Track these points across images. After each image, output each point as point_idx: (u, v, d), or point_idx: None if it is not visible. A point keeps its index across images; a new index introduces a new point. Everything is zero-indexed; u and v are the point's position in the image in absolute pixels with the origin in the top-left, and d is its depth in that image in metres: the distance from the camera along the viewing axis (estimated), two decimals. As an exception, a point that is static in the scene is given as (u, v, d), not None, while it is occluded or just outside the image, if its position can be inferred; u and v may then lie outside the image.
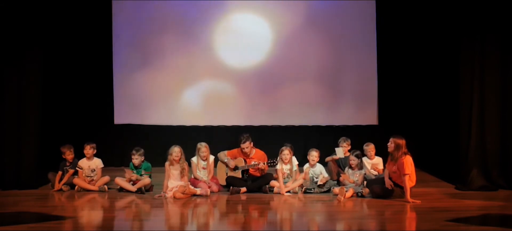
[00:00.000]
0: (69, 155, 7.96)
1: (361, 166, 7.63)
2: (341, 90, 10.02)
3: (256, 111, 10.02)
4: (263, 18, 9.93)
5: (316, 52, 9.96)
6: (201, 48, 9.95)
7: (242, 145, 7.77)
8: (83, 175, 7.89)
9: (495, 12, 7.68)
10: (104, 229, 5.93)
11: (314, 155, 7.69)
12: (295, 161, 7.84)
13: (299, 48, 9.96)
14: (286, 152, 7.64)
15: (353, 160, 7.58)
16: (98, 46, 9.89)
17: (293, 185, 7.58)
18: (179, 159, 7.43)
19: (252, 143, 7.86)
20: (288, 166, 7.67)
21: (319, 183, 7.57)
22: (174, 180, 7.38)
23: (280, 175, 7.63)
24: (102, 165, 8.05)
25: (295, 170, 7.72)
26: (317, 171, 7.67)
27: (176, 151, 7.44)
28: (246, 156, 7.84)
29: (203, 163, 7.75)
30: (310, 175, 7.66)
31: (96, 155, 8.04)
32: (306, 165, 7.76)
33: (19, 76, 8.01)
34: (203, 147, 7.75)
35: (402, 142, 6.98)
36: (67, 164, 7.97)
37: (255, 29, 9.94)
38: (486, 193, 7.43)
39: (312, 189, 7.60)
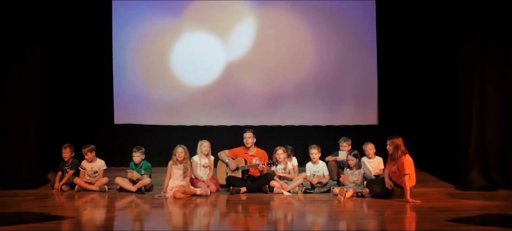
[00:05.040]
0: (66, 154, 7.96)
1: (359, 165, 7.63)
2: (341, 90, 10.03)
3: (256, 111, 10.02)
4: (264, 18, 9.92)
5: (316, 51, 9.97)
6: (200, 48, 9.94)
7: (245, 135, 7.81)
8: (85, 175, 7.90)
9: (495, 13, 7.68)
10: (104, 229, 5.92)
11: (313, 152, 7.70)
12: (294, 161, 7.85)
13: (299, 48, 9.96)
14: (279, 152, 7.67)
15: (352, 160, 7.58)
16: (98, 46, 9.90)
17: (293, 184, 7.59)
18: (183, 159, 7.42)
19: (255, 138, 7.89)
20: (282, 166, 7.69)
21: (317, 182, 7.56)
22: (176, 180, 7.38)
23: (276, 174, 7.66)
24: (105, 167, 8.05)
25: (292, 168, 7.72)
26: (320, 169, 7.67)
27: (179, 151, 7.43)
28: (246, 149, 7.85)
29: (204, 161, 7.76)
30: (312, 172, 7.65)
31: (96, 156, 8.05)
32: (309, 164, 7.77)
33: (19, 76, 8.01)
34: (205, 142, 7.78)
35: (399, 141, 7.00)
36: (67, 164, 7.97)
37: (254, 29, 9.94)
38: (486, 193, 7.43)
39: (312, 190, 7.60)
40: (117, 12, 9.89)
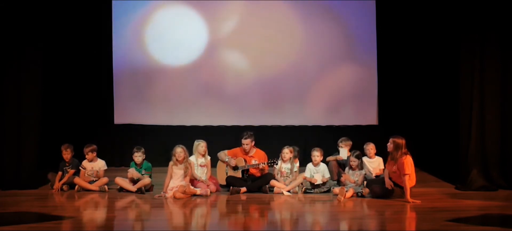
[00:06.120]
0: (65, 154, 7.95)
1: (361, 166, 7.63)
2: (341, 90, 10.02)
3: (256, 111, 10.02)
4: (265, 18, 9.91)
5: (316, 51, 9.96)
6: (201, 48, 9.93)
7: (243, 141, 7.79)
8: (85, 175, 7.90)
9: (495, 13, 7.68)
10: (104, 229, 5.93)
11: (315, 154, 7.69)
12: (297, 163, 7.85)
13: (299, 47, 9.95)
14: (285, 151, 7.67)
15: (354, 161, 7.58)
16: (98, 46, 9.89)
17: (293, 184, 7.59)
18: (183, 159, 7.42)
19: (253, 142, 7.88)
20: (288, 166, 7.68)
21: (318, 182, 7.56)
22: (177, 180, 7.37)
23: (278, 173, 7.66)
24: (105, 167, 8.04)
25: (296, 171, 7.73)
26: (321, 172, 7.66)
27: (178, 151, 7.42)
28: (245, 153, 7.84)
29: (200, 160, 7.75)
30: (312, 174, 7.64)
31: (97, 155, 8.04)
32: (309, 165, 7.76)
33: (19, 76, 8.01)
34: (202, 142, 7.78)
35: (401, 142, 6.98)
36: (66, 164, 7.97)
37: (257, 29, 9.92)
38: (486, 193, 7.43)
39: (312, 190, 7.61)
40: (117, 12, 9.88)
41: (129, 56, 9.94)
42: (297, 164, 7.84)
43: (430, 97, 9.55)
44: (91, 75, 9.91)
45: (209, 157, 7.86)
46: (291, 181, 7.64)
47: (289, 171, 7.71)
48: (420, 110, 9.76)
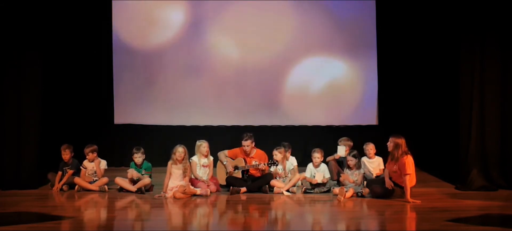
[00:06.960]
0: (64, 155, 7.95)
1: (359, 165, 7.62)
2: (341, 90, 10.02)
3: (256, 111, 10.01)
4: (264, 17, 9.91)
5: (316, 51, 9.96)
6: (201, 47, 9.94)
7: (244, 142, 7.79)
8: (86, 174, 7.89)
9: (495, 13, 7.68)
10: (104, 229, 5.93)
11: (316, 156, 7.68)
12: (294, 161, 7.85)
13: (299, 47, 9.95)
14: (274, 153, 7.71)
15: (351, 161, 7.58)
16: (98, 46, 9.89)
17: (291, 183, 7.58)
18: (183, 159, 7.42)
19: (254, 143, 7.87)
20: (281, 166, 7.69)
21: (318, 181, 7.55)
22: (175, 180, 7.38)
23: (275, 175, 7.68)
24: (105, 167, 8.04)
25: (292, 169, 7.73)
26: (321, 171, 7.65)
27: (180, 151, 7.43)
28: (246, 155, 7.84)
29: (203, 160, 7.75)
30: (312, 174, 7.64)
31: (97, 156, 8.04)
32: (310, 165, 7.76)
33: (19, 76, 8.02)
34: (204, 143, 7.77)
35: (401, 141, 6.98)
36: (67, 164, 7.97)
37: (256, 29, 9.92)
38: (486, 193, 7.43)
39: (313, 189, 7.61)
40: (117, 12, 9.88)
41: (129, 55, 9.94)
42: (292, 160, 7.83)
43: (430, 97, 9.55)
44: (91, 75, 9.91)
45: (212, 158, 7.86)
46: (289, 180, 7.65)
47: (284, 171, 7.71)
48: (420, 110, 9.76)
